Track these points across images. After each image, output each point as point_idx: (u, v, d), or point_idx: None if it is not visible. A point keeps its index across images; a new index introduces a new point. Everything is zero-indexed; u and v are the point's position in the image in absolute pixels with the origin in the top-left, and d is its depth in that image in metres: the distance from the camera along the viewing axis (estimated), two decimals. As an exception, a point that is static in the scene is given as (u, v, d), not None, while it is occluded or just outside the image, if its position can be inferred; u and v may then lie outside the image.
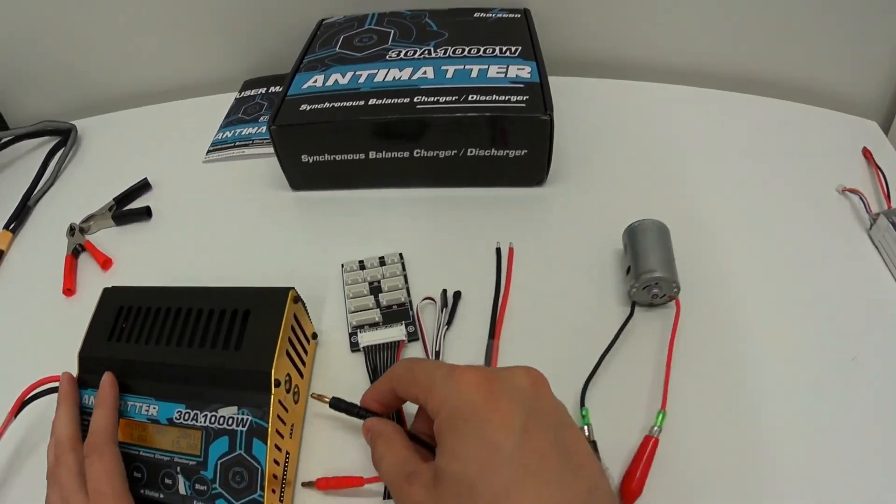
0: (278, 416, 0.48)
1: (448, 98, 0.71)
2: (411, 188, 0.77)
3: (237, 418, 0.48)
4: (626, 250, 0.62)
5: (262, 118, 0.91)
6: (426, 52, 0.80)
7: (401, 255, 0.68)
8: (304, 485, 0.51)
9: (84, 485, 0.46)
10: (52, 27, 0.98)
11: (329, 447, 0.54)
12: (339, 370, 0.59)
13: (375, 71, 0.78)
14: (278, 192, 0.80)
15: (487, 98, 0.71)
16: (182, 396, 0.50)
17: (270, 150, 0.76)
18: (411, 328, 0.61)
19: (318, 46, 0.85)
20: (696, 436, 0.52)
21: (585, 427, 0.51)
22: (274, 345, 0.50)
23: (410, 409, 0.50)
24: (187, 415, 0.49)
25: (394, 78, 0.76)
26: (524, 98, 0.70)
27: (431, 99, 0.71)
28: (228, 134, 0.90)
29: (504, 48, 0.79)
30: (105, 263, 0.74)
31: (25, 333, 0.70)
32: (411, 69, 0.77)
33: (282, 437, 0.49)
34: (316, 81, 0.78)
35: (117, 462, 0.47)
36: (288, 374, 0.51)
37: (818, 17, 0.85)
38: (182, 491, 0.48)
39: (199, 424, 0.49)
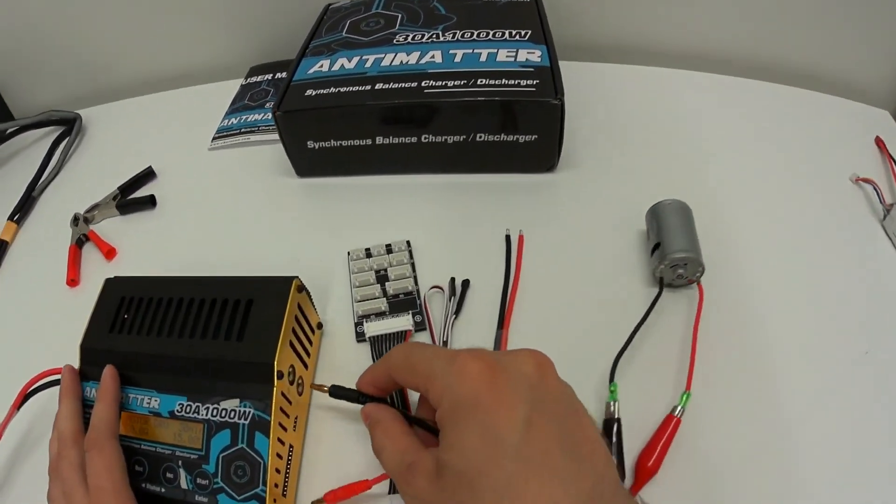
0: (281, 409, 0.47)
1: (456, 82, 0.70)
2: (419, 174, 0.76)
3: (239, 411, 0.47)
4: (651, 228, 0.61)
5: (268, 104, 0.90)
6: (434, 36, 0.79)
7: (408, 242, 0.67)
8: None
9: (85, 479, 0.45)
10: (57, 17, 0.98)
11: (335, 439, 0.53)
12: (345, 361, 0.58)
13: (382, 55, 0.76)
14: (284, 179, 0.79)
15: (497, 82, 0.69)
16: (184, 389, 0.49)
17: (276, 136, 0.75)
18: (418, 317, 0.60)
19: (325, 31, 0.84)
20: (717, 420, 0.51)
21: (612, 403, 0.51)
22: (277, 335, 0.49)
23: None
24: (189, 407, 0.48)
25: (401, 62, 0.74)
26: (534, 82, 0.68)
27: (439, 83, 0.70)
28: (234, 121, 0.90)
29: (514, 32, 0.77)
30: (109, 253, 0.74)
31: (30, 325, 0.69)
32: (419, 53, 0.75)
33: (284, 430, 0.48)
34: (322, 66, 0.76)
35: (118, 457, 0.46)
36: (291, 366, 0.50)
37: (833, 5, 0.83)
38: (184, 485, 0.47)
39: (200, 417, 0.48)
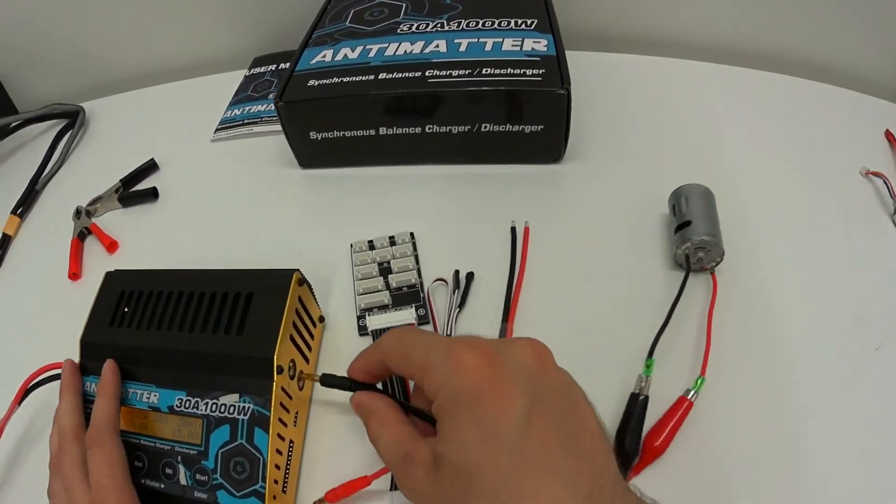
0: (281, 404, 0.47)
1: (461, 72, 0.69)
2: (423, 165, 0.75)
3: (238, 406, 0.46)
4: (679, 207, 0.60)
5: (271, 95, 0.90)
6: (439, 25, 0.78)
7: (412, 234, 0.66)
8: None
9: (87, 475, 0.45)
10: (59, 10, 0.97)
11: (337, 434, 0.53)
12: (347, 354, 0.56)
13: (386, 45, 0.76)
14: (287, 171, 0.78)
15: (502, 71, 0.68)
16: (183, 383, 0.49)
17: (279, 127, 0.74)
18: (422, 311, 0.59)
19: (328, 21, 0.83)
20: (729, 408, 0.50)
21: (645, 378, 0.51)
22: (277, 329, 0.48)
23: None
24: (188, 402, 0.48)
25: (405, 52, 0.74)
26: (540, 71, 0.68)
27: (444, 73, 0.69)
28: (237, 112, 0.89)
29: (519, 21, 0.76)
30: (111, 246, 0.74)
31: (32, 319, 0.69)
32: (423, 42, 0.75)
33: (285, 425, 0.47)
34: (325, 56, 0.76)
35: (119, 453, 0.46)
36: (292, 360, 0.49)
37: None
38: (183, 481, 0.47)
39: (199, 413, 0.47)
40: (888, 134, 0.71)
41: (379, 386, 0.44)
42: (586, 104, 0.73)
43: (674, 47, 0.92)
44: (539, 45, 0.71)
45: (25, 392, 0.54)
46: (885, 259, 0.60)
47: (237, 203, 0.76)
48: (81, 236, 0.75)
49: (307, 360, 0.53)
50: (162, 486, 0.47)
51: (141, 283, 0.55)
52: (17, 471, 0.55)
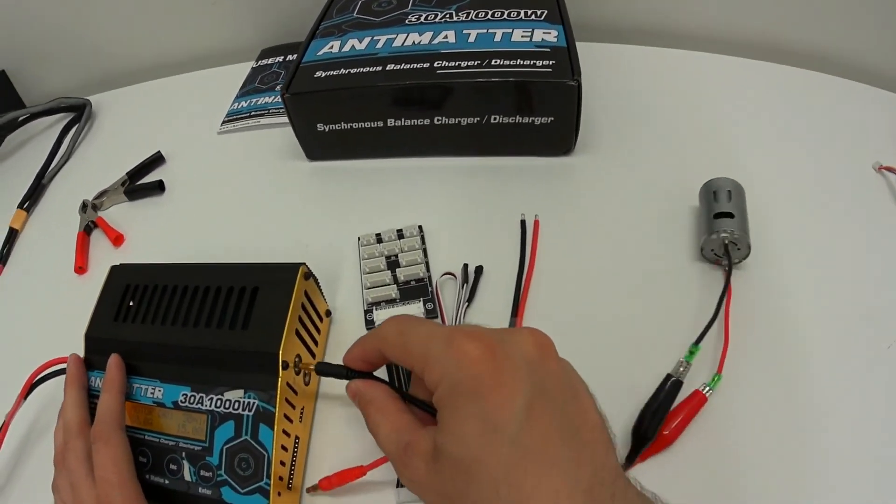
0: (286, 400, 0.46)
1: (470, 63, 0.68)
2: (431, 157, 0.74)
3: (243, 402, 0.46)
4: (717, 198, 0.59)
5: (278, 87, 0.89)
6: (447, 15, 0.77)
7: (420, 227, 0.66)
8: (310, 490, 0.48)
9: (92, 470, 0.45)
10: (65, 4, 0.98)
11: (344, 430, 0.52)
12: (355, 349, 0.57)
13: (394, 36, 0.75)
14: (294, 163, 0.78)
15: (512, 63, 0.67)
16: (188, 379, 0.48)
17: (286, 119, 0.74)
18: (430, 305, 0.59)
19: (336, 12, 0.83)
20: (743, 406, 0.49)
21: (685, 363, 0.50)
22: (282, 324, 0.47)
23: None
24: (192, 398, 0.47)
25: (413, 42, 0.73)
26: (550, 63, 0.67)
27: (453, 64, 0.69)
28: (244, 104, 0.89)
29: (529, 11, 0.76)
30: (117, 240, 0.73)
31: (38, 313, 0.69)
32: (431, 33, 0.74)
33: (290, 421, 0.47)
34: (332, 48, 0.75)
35: (124, 449, 0.46)
36: (298, 355, 0.49)
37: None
38: (187, 477, 0.46)
39: (204, 408, 0.47)
40: (901, 129, 0.70)
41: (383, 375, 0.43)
42: (596, 96, 0.72)
43: (685, 39, 0.91)
44: (549, 35, 0.71)
45: (31, 387, 0.54)
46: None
47: (244, 196, 0.76)
48: (87, 230, 0.75)
49: (314, 356, 0.53)
50: (166, 481, 0.47)
51: (146, 277, 0.54)
52: (22, 465, 0.56)
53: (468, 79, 0.67)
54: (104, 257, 0.73)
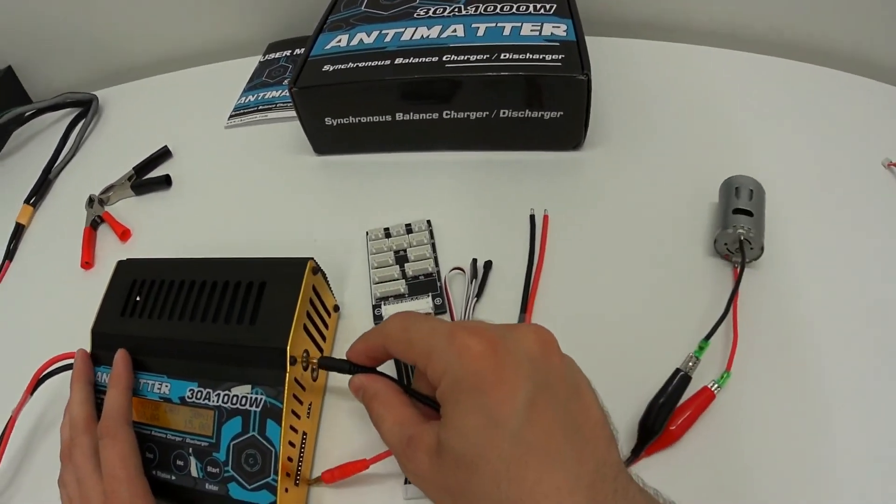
0: (294, 396, 0.46)
1: (479, 57, 0.68)
2: (440, 152, 0.74)
3: (251, 398, 0.45)
4: (739, 195, 0.59)
5: (286, 81, 0.89)
6: (456, 9, 0.77)
7: (429, 222, 0.65)
8: (312, 482, 0.48)
9: (99, 466, 0.45)
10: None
11: (352, 425, 0.52)
12: (363, 345, 0.57)
13: (402, 29, 0.75)
14: (302, 157, 0.78)
15: (521, 57, 0.67)
16: (195, 374, 0.48)
17: (294, 113, 0.74)
18: (438, 300, 0.58)
19: (343, 6, 0.82)
20: (752, 405, 0.49)
21: (695, 358, 0.50)
22: (290, 319, 0.47)
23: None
24: (199, 393, 0.47)
25: (422, 36, 0.73)
26: (559, 57, 0.66)
27: (462, 58, 0.68)
28: (251, 98, 0.89)
29: (538, 5, 0.75)
30: (124, 235, 0.73)
31: (44, 308, 0.69)
32: (440, 27, 0.74)
33: (298, 417, 0.46)
34: (340, 41, 0.75)
35: (131, 445, 0.46)
36: (305, 350, 0.48)
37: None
38: (194, 473, 0.46)
39: (211, 404, 0.47)
40: (910, 125, 0.69)
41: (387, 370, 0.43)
42: (606, 91, 0.72)
43: (694, 34, 0.90)
44: (558, 29, 0.70)
45: (38, 382, 0.54)
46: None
47: (251, 190, 0.76)
48: (94, 225, 0.75)
49: (321, 351, 0.52)
50: (173, 477, 0.47)
51: (153, 271, 0.54)
52: (29, 460, 0.56)
53: (477, 73, 0.66)
54: (111, 252, 0.72)
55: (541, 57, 0.66)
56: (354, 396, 0.42)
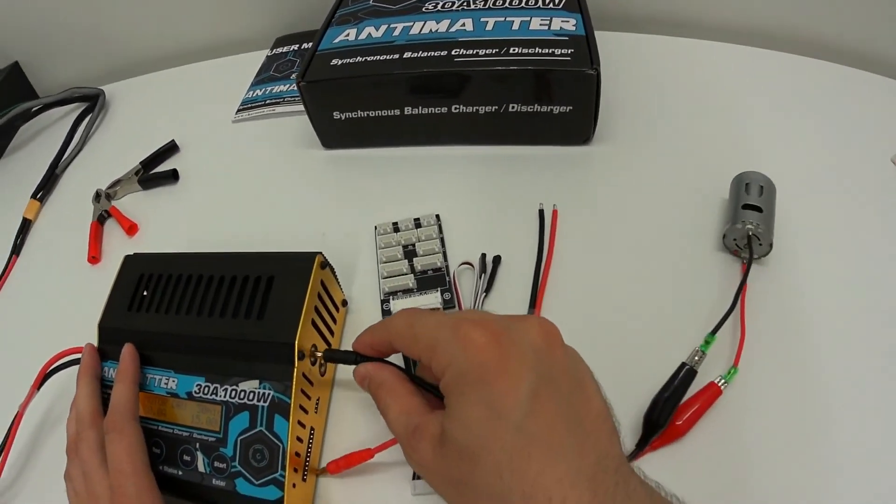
0: (302, 391, 0.46)
1: (488, 51, 0.67)
2: (449, 146, 0.74)
3: (258, 393, 0.45)
4: (749, 191, 0.58)
5: (293, 75, 0.88)
6: (465, 3, 0.76)
7: (437, 216, 0.65)
8: (318, 473, 0.48)
9: (105, 460, 0.45)
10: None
11: (359, 420, 0.51)
12: (371, 339, 0.56)
13: (411, 23, 0.74)
14: (310, 151, 0.77)
15: (530, 51, 0.67)
16: (202, 369, 0.48)
17: (302, 107, 0.73)
18: (447, 295, 0.58)
19: (352, 0, 0.82)
20: (759, 401, 0.49)
21: (700, 352, 0.50)
22: (298, 314, 0.47)
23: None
24: (207, 388, 0.47)
25: (430, 30, 0.72)
26: (569, 51, 0.66)
27: (470, 52, 0.68)
28: (259, 92, 0.89)
29: (548, 0, 0.75)
30: (131, 229, 0.73)
31: (51, 303, 0.69)
32: (449, 21, 0.73)
33: (305, 412, 0.46)
34: (348, 35, 0.75)
35: (138, 439, 0.45)
36: (314, 345, 0.48)
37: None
38: (201, 468, 0.46)
39: (218, 399, 0.46)
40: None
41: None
42: (615, 85, 0.71)
43: (704, 29, 0.89)
44: (567, 24, 0.70)
45: (45, 376, 0.54)
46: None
47: (259, 184, 0.76)
48: (101, 219, 0.75)
49: (329, 346, 0.52)
50: (180, 472, 0.46)
51: (160, 266, 0.54)
52: (36, 454, 0.56)
53: (486, 67, 0.66)
54: (118, 247, 0.72)
55: (550, 51, 0.66)
56: (360, 386, 0.43)
